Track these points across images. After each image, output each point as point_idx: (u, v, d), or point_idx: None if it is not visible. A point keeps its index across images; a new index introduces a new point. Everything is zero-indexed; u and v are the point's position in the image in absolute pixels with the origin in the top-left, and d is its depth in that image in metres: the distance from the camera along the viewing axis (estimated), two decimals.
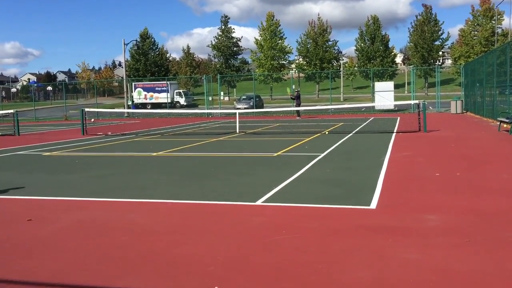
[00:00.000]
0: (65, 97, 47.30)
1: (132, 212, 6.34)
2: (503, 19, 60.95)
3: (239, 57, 76.35)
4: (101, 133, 21.01)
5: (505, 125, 16.20)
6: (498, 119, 17.34)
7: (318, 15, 75.54)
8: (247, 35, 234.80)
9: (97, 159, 12.08)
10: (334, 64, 71.01)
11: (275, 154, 11.89)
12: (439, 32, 67.54)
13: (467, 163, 9.69)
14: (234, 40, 73.92)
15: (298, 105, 30.04)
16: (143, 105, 55.80)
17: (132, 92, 56.36)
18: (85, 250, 4.80)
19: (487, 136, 15.13)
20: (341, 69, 72.63)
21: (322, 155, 11.42)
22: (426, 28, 66.83)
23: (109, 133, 21.22)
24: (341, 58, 74.98)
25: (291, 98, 31.41)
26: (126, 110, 37.39)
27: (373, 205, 6.25)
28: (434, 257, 4.25)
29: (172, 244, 4.91)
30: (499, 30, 59.58)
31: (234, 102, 47.23)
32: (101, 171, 10.05)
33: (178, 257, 4.50)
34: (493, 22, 60.06)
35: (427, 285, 3.65)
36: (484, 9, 64.63)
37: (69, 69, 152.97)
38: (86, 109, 22.13)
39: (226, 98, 67.59)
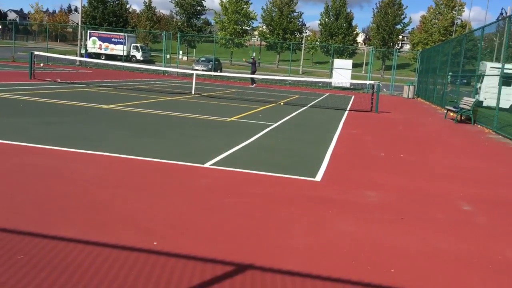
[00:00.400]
0: (14, 37, 44.85)
1: (76, 162, 6.18)
2: (464, 11, 62.73)
3: (202, 17, 74.63)
4: (49, 79, 20.16)
5: (451, 114, 16.86)
6: (446, 107, 18.00)
7: None
8: None
9: (43, 106, 11.62)
10: (297, 36, 70.92)
11: (229, 119, 11.86)
12: (402, 16, 68.54)
13: (411, 146, 10.06)
14: None
15: (253, 72, 29.91)
16: (97, 55, 53.77)
17: (86, 40, 54.17)
18: (22, 195, 4.66)
19: (433, 122, 15.70)
20: (303, 42, 72.68)
21: (275, 125, 11.50)
22: (390, 11, 67.67)
23: (58, 80, 20.39)
24: (304, 31, 74.97)
25: (247, 62, 31.18)
26: (78, 58, 35.96)
27: (319, 177, 6.39)
28: (368, 230, 4.44)
29: (113, 198, 4.84)
30: (459, 21, 61.22)
31: (193, 63, 46.43)
32: (46, 118, 9.69)
33: (119, 211, 4.46)
34: (454, 12, 61.60)
35: (358, 254, 3.82)
36: None
37: (21, 9, 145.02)
38: (36, 52, 21.09)
39: (185, 58, 66.29)
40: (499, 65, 13.47)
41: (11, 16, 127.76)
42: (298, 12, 70.23)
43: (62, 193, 4.85)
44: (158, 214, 4.43)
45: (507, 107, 17.48)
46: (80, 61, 37.88)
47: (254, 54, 35.63)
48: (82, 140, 7.66)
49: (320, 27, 71.91)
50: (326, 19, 70.22)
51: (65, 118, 9.85)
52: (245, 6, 67.55)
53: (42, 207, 4.39)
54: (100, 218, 4.22)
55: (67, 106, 11.99)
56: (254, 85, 29.97)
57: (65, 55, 35.32)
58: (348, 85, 35.03)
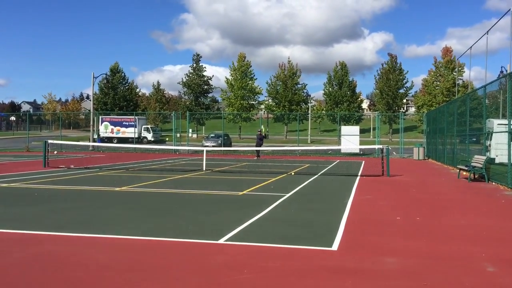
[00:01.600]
0: (28, 127, 46.28)
1: (90, 248, 6.17)
2: (464, 71, 64.00)
3: (209, 95, 77.03)
4: (63, 166, 20.54)
5: (464, 173, 16.74)
6: (458, 166, 17.91)
7: (289, 58, 77.31)
8: (218, 74, 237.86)
9: (57, 192, 11.77)
10: (303, 106, 72.48)
11: (241, 193, 11.87)
12: (404, 81, 70.21)
13: (427, 208, 9.92)
14: (205, 79, 74.71)
15: (260, 145, 30.24)
16: (110, 139, 55.05)
17: (98, 125, 55.68)
18: (38, 285, 4.62)
19: (447, 182, 15.57)
20: (309, 111, 74.08)
21: (287, 195, 11.48)
22: (391, 76, 69.39)
23: (72, 166, 20.76)
24: (309, 101, 76.67)
25: (260, 135, 31.46)
26: (91, 144, 36.81)
27: (335, 246, 6.29)
28: None
29: (128, 282, 4.78)
30: (460, 82, 62.36)
31: (202, 140, 47.21)
32: (60, 204, 9.79)
33: None
34: (455, 73, 62.92)
35: None
36: (445, 61, 67.79)
37: (35, 100, 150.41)
38: (50, 141, 21.68)
39: (195, 136, 67.52)
40: (506, 121, 13.55)
41: (25, 107, 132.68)
42: (302, 83, 72.25)
43: (76, 280, 4.80)
44: None
45: None
46: (93, 146, 38.72)
47: (262, 127, 36.27)
48: (96, 224, 7.68)
49: (325, 96, 73.61)
50: (330, 89, 72.02)
51: (79, 204, 9.93)
52: (250, 82, 69.72)
53: None
54: None
55: (81, 191, 12.13)
56: (259, 157, 30.06)
57: (78, 141, 36.23)
58: (358, 151, 35.20)
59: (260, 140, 30.99)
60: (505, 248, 6.45)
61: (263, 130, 32.93)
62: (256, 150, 29.76)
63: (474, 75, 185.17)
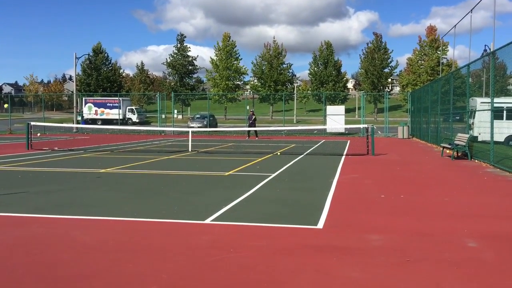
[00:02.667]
0: (10, 109, 45.52)
1: (76, 230, 6.14)
2: (448, 50, 64.28)
3: (194, 76, 76.31)
4: (47, 148, 20.31)
5: (447, 151, 16.95)
6: (441, 145, 18.12)
7: (274, 38, 76.86)
8: (203, 55, 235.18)
9: (41, 175, 11.66)
10: (288, 86, 72.35)
11: (227, 173, 11.88)
12: (388, 60, 70.30)
13: (411, 186, 10.05)
14: (190, 59, 73.87)
15: (254, 125, 30.34)
16: (94, 121, 54.49)
17: (82, 107, 55.02)
18: (23, 268, 4.60)
19: (431, 161, 15.76)
20: (295, 91, 74.00)
21: (273, 175, 11.52)
22: (376, 56, 69.43)
23: (56, 148, 20.54)
24: (295, 81, 76.48)
25: (250, 121, 31.48)
26: (75, 125, 36.39)
27: (320, 225, 6.35)
28: (375, 275, 4.37)
29: (114, 262, 4.78)
30: (444, 61, 62.68)
31: (188, 121, 46.99)
32: (44, 186, 9.70)
33: (120, 275, 4.39)
34: (439, 52, 63.20)
35: None
36: (430, 40, 67.99)
37: (16, 81, 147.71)
38: (32, 123, 21.37)
39: (180, 117, 67.12)
40: (489, 99, 13.70)
41: (6, 89, 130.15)
42: (287, 63, 71.97)
43: (63, 262, 4.79)
44: (160, 275, 4.36)
45: (502, 140, 17.62)
46: (76, 128, 38.30)
47: (247, 107, 36.19)
48: (81, 206, 7.64)
49: (310, 76, 73.48)
50: (315, 68, 71.86)
51: (63, 186, 9.85)
52: (235, 62, 69.23)
53: (43, 277, 4.33)
54: (102, 284, 4.15)
55: (65, 173, 12.02)
56: (247, 138, 30.18)
57: (62, 123, 35.77)
58: (343, 131, 35.38)
59: (253, 122, 31.01)
60: (486, 224, 6.58)
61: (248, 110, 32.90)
62: (255, 131, 29.75)
63: (458, 54, 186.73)
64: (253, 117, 31.52)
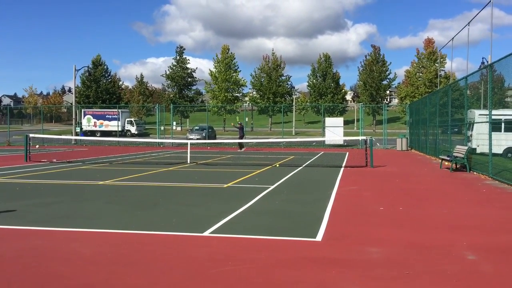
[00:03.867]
0: (9, 121, 45.56)
1: (74, 242, 6.12)
2: (446, 62, 64.64)
3: (193, 87, 76.53)
4: (45, 160, 20.28)
5: (446, 163, 16.97)
6: (440, 157, 18.14)
7: (273, 50, 77.34)
8: (202, 67, 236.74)
9: (39, 187, 11.63)
10: (287, 98, 72.55)
11: (225, 185, 11.87)
12: (387, 72, 70.67)
13: (410, 198, 10.04)
14: (189, 71, 74.15)
15: (241, 137, 30.18)
16: (92, 133, 54.52)
17: (81, 119, 55.06)
18: (21, 280, 4.57)
19: (429, 172, 15.76)
20: (294, 103, 74.17)
21: (272, 187, 11.51)
22: (375, 68, 69.79)
23: (54, 160, 20.51)
24: (293, 93, 76.70)
25: (235, 127, 31.43)
26: (73, 137, 36.39)
27: (319, 237, 6.33)
28: None
29: (112, 275, 4.76)
30: (442, 73, 62.98)
31: (187, 133, 47.00)
32: (43, 199, 9.68)
33: None
34: (437, 64, 63.51)
35: None
36: (428, 52, 68.39)
37: (15, 93, 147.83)
38: (31, 135, 21.38)
39: (179, 128, 67.17)
40: (487, 112, 13.75)
41: (5, 101, 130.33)
42: (286, 75, 72.26)
43: (60, 275, 4.76)
44: None
45: (500, 152, 17.65)
46: (75, 139, 38.28)
47: (240, 121, 36.17)
48: (80, 218, 7.62)
49: (309, 88, 73.76)
50: (314, 80, 72.16)
51: (62, 198, 9.83)
52: (234, 74, 69.49)
53: None
54: None
55: (63, 185, 12.00)
56: (243, 149, 30.06)
57: (61, 135, 35.75)
58: (342, 142, 35.40)
59: (242, 131, 30.92)
60: (484, 236, 6.57)
61: (237, 120, 32.76)
62: (239, 142, 29.65)
63: (456, 66, 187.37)
64: (241, 127, 31.33)
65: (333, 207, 8.65)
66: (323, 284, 4.48)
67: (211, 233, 6.58)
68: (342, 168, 16.82)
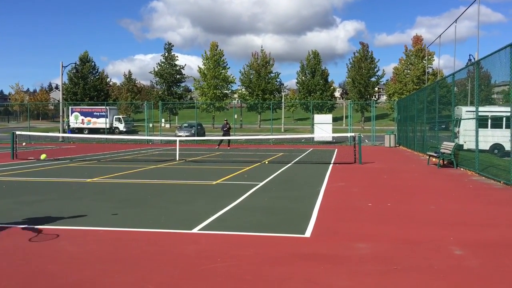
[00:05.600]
0: None
1: (61, 240, 6.06)
2: (433, 59, 65.11)
3: (182, 84, 76.33)
4: (32, 158, 20.09)
5: (433, 159, 17.11)
6: (428, 153, 18.29)
7: (261, 47, 77.24)
8: (191, 64, 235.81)
9: (26, 185, 11.51)
10: (276, 95, 72.62)
11: (214, 182, 11.85)
12: (375, 69, 71.07)
13: (398, 194, 10.11)
14: (177, 68, 73.91)
15: (225, 135, 30.05)
16: (80, 130, 54.11)
17: (68, 116, 54.60)
18: (8, 279, 4.52)
19: (417, 169, 15.88)
20: (283, 100, 74.24)
21: (261, 184, 11.52)
22: (363, 65, 70.13)
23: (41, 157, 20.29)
24: (283, 90, 76.80)
25: (224, 130, 31.04)
26: (61, 135, 36.07)
27: (308, 233, 6.35)
28: (363, 284, 4.38)
29: (100, 273, 4.73)
30: (430, 70, 63.45)
31: (175, 130, 46.83)
32: (30, 197, 9.58)
33: (106, 286, 4.34)
34: (425, 62, 63.97)
35: None
36: (416, 49, 68.87)
37: (2, 90, 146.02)
38: (18, 132, 21.15)
39: (168, 126, 66.93)
40: (474, 108, 13.88)
41: None
42: (275, 72, 72.31)
43: (48, 273, 4.72)
44: (147, 286, 4.32)
45: (487, 148, 17.83)
46: (62, 137, 37.96)
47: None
48: (67, 216, 7.55)
49: (298, 85, 73.90)
50: (303, 77, 72.33)
51: (49, 196, 9.74)
52: (223, 71, 69.37)
53: None
54: None
55: (51, 183, 11.89)
56: (220, 145, 29.94)
57: (48, 132, 35.41)
58: (330, 139, 35.53)
59: (227, 131, 30.63)
60: (471, 231, 6.64)
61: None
62: (221, 140, 29.36)
63: (444, 63, 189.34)
64: (227, 126, 31.15)
65: (322, 204, 8.68)
66: (312, 280, 4.49)
67: (200, 230, 6.56)
68: (331, 165, 16.88)
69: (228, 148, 29.29)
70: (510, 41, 10.83)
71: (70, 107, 56.33)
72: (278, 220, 7.31)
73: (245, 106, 75.07)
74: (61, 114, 42.40)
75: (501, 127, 18.69)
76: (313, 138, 35.17)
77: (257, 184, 11.38)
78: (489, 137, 18.27)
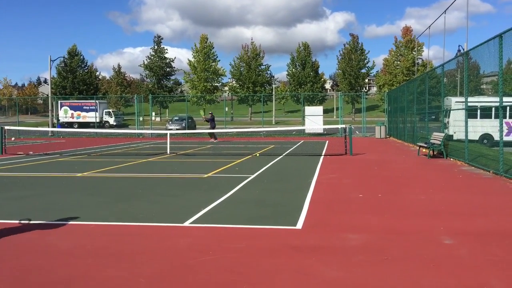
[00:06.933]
0: None
1: (51, 235, 6.03)
2: (423, 51, 65.31)
3: (172, 77, 75.93)
4: (21, 153, 19.91)
5: (424, 150, 17.21)
6: (418, 144, 18.39)
7: (252, 39, 77.07)
8: (181, 56, 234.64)
9: (15, 180, 11.42)
10: (267, 87, 72.48)
11: (206, 176, 11.84)
12: (365, 61, 71.16)
13: (388, 185, 10.17)
14: (167, 61, 73.51)
15: (213, 127, 29.62)
16: (70, 124, 53.74)
17: (58, 110, 54.16)
18: None
19: (407, 160, 15.97)
20: (273, 93, 74.18)
21: (252, 176, 11.52)
22: (353, 57, 70.18)
23: (31, 152, 20.16)
24: (273, 82, 76.67)
25: (205, 120, 30.62)
26: (50, 129, 35.74)
27: (299, 225, 6.37)
28: (354, 274, 4.40)
29: (91, 267, 4.71)
30: (420, 61, 63.66)
31: (166, 123, 46.66)
32: (19, 192, 9.50)
33: (98, 280, 4.33)
34: (414, 53, 64.15)
35: None
36: (406, 40, 69.01)
37: None
38: (6, 127, 20.93)
39: (158, 119, 66.66)
40: (463, 99, 13.96)
41: None
42: (265, 65, 72.14)
43: (38, 268, 4.69)
44: (139, 280, 4.31)
45: (476, 138, 17.99)
46: (52, 131, 37.66)
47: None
48: (57, 211, 7.51)
49: (288, 77, 73.82)
50: (293, 69, 72.24)
51: (38, 191, 9.67)
52: (213, 63, 69.11)
53: (17, 283, 4.23)
54: None
55: (40, 178, 11.81)
56: (216, 140, 29.36)
57: (37, 127, 35.10)
58: (321, 131, 35.61)
59: (213, 122, 30.14)
60: (461, 221, 6.70)
61: (201, 113, 31.81)
62: (212, 133, 29.02)
63: (433, 54, 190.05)
64: (212, 118, 30.69)
65: (313, 195, 8.71)
66: (303, 271, 4.51)
67: (191, 223, 6.56)
68: (322, 157, 16.93)
69: (215, 141, 28.83)
70: (499, 31, 10.88)
71: (59, 101, 55.85)
72: (270, 212, 7.32)
73: (235, 99, 74.89)
74: (50, 108, 42.03)
75: (490, 117, 18.86)
76: (304, 130, 35.21)
77: (249, 177, 11.38)
78: (478, 127, 18.42)
